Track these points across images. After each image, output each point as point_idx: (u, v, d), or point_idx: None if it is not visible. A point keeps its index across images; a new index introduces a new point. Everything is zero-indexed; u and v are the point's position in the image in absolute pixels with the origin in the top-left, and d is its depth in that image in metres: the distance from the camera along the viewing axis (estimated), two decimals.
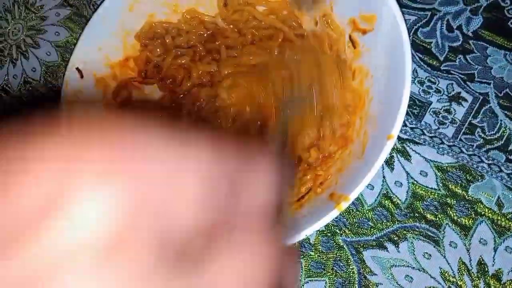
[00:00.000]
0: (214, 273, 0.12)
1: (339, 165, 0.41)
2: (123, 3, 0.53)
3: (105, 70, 0.53)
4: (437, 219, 0.44)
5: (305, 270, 0.46)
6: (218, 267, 0.13)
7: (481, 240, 0.43)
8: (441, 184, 0.45)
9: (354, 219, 0.46)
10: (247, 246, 0.13)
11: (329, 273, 0.45)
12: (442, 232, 0.44)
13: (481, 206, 0.44)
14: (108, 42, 0.53)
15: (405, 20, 0.41)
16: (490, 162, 0.45)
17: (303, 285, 0.45)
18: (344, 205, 0.36)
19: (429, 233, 0.44)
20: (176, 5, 0.54)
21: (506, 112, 0.46)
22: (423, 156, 0.46)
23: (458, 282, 0.42)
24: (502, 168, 0.45)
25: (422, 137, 0.47)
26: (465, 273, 0.42)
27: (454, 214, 0.44)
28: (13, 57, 0.65)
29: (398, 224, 0.45)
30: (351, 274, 0.45)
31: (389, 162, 0.47)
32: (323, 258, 0.46)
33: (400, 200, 0.46)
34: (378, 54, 0.41)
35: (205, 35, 0.53)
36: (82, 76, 0.51)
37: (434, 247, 0.44)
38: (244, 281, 0.13)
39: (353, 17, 0.44)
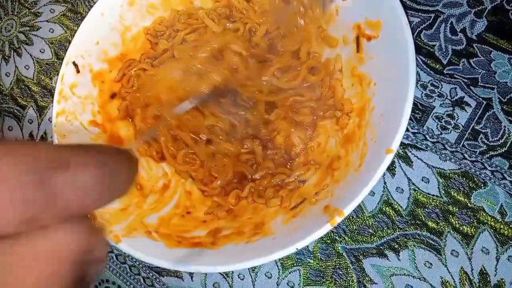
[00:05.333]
0: (24, 250, 0.16)
1: (336, 176, 0.40)
2: None
3: (102, 65, 0.52)
4: (439, 227, 0.43)
5: (303, 278, 0.45)
6: (28, 246, 0.16)
7: (483, 249, 0.42)
8: (443, 191, 0.44)
9: (354, 226, 0.45)
10: (55, 229, 0.17)
11: (328, 282, 0.44)
12: (444, 240, 0.43)
13: (483, 214, 0.43)
14: (107, 37, 0.51)
15: (409, 22, 0.40)
16: (493, 169, 0.44)
17: None
18: (338, 220, 0.35)
19: (431, 241, 0.43)
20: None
21: (510, 118, 0.45)
22: (425, 162, 0.46)
23: None
24: (506, 175, 0.44)
25: (424, 142, 0.46)
26: (466, 283, 0.41)
27: (456, 222, 0.43)
28: (5, 54, 0.63)
29: (399, 231, 0.44)
30: (351, 283, 0.44)
31: (390, 168, 0.46)
32: (322, 266, 0.45)
33: (401, 207, 0.45)
34: (381, 63, 0.40)
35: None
36: (78, 71, 0.50)
37: (436, 255, 0.43)
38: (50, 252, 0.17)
39: (359, 22, 0.42)
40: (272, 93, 0.47)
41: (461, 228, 0.43)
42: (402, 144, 0.46)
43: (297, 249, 0.34)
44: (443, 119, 0.47)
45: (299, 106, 0.46)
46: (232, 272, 0.47)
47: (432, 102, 0.47)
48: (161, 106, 0.49)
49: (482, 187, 0.44)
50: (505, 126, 0.45)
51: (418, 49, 0.49)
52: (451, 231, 0.43)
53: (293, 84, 0.46)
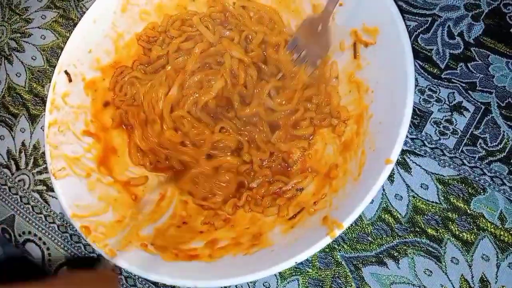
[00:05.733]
0: None
1: (334, 185, 0.40)
2: (115, 4, 0.50)
3: (95, 73, 0.50)
4: (438, 234, 0.43)
5: None
6: None
7: (484, 256, 0.42)
8: (442, 198, 0.44)
9: (353, 234, 0.45)
10: None
11: None
12: (444, 248, 0.42)
13: (483, 220, 0.42)
14: (99, 44, 0.50)
15: (406, 26, 0.39)
16: (492, 174, 0.44)
17: None
18: (337, 232, 0.34)
19: (430, 249, 0.43)
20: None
21: (508, 122, 0.45)
22: (423, 168, 0.45)
23: None
24: (505, 181, 0.43)
25: (423, 148, 0.46)
26: None
27: (456, 229, 0.43)
28: None
29: (398, 239, 0.44)
30: None
31: (389, 174, 0.46)
32: (321, 275, 0.44)
33: (400, 214, 0.44)
34: (379, 69, 0.39)
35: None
36: (70, 80, 0.49)
37: (435, 263, 0.42)
38: None
39: (356, 28, 0.42)
40: (269, 111, 0.47)
41: (461, 235, 0.42)
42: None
43: (296, 262, 0.34)
44: (442, 124, 0.46)
45: (299, 119, 0.45)
46: None
47: (430, 107, 0.47)
48: (165, 123, 0.48)
49: (482, 193, 0.43)
50: (504, 131, 0.45)
51: (416, 54, 0.48)
52: (451, 238, 0.43)
53: (288, 107, 0.46)
